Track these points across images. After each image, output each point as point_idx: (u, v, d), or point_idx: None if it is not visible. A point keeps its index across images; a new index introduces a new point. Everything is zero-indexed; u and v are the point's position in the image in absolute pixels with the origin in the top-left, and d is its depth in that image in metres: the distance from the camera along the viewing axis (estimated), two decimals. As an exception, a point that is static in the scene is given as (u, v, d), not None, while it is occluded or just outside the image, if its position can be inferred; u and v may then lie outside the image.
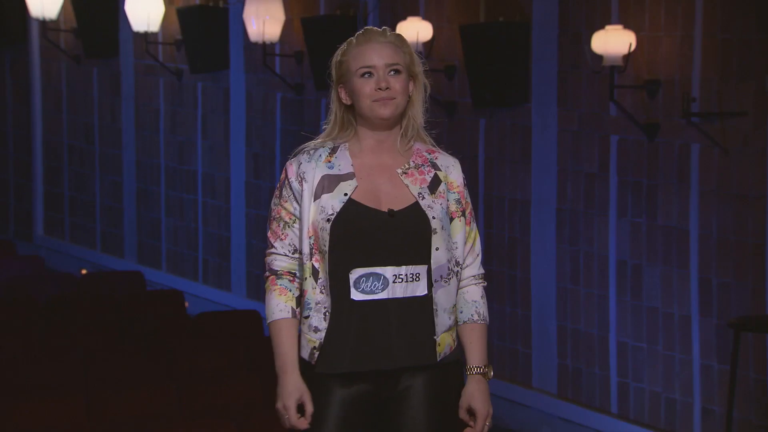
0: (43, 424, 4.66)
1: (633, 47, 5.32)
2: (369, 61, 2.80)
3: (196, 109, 8.14)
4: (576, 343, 5.87)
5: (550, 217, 5.93)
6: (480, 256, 2.91)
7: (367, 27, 2.87)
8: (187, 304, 6.95)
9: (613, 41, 5.34)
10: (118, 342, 5.83)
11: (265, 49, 7.14)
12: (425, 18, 6.40)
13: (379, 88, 2.79)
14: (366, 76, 2.80)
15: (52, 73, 9.48)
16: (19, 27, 9.62)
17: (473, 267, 2.89)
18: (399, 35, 2.85)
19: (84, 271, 8.35)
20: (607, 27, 5.41)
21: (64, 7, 8.79)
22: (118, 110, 8.83)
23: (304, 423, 2.75)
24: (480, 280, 2.90)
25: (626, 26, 5.39)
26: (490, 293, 6.32)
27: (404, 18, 6.39)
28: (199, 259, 8.17)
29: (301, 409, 2.76)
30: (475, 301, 2.88)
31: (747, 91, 5.03)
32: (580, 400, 5.85)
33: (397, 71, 2.80)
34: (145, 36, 7.89)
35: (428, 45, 6.33)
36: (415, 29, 6.26)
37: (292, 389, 2.75)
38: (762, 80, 4.99)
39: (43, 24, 8.75)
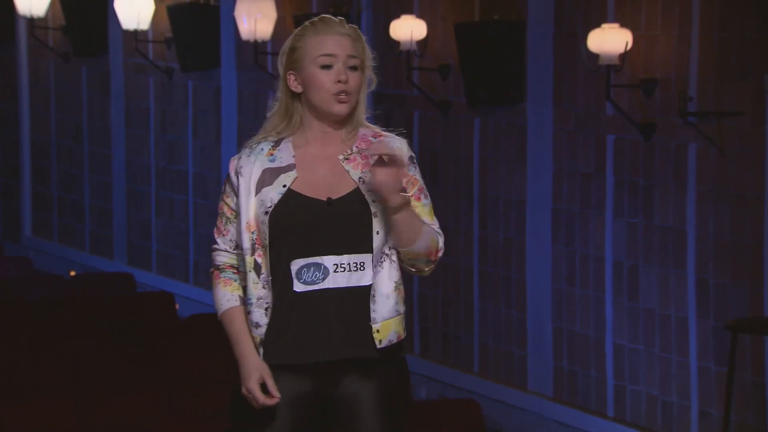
0: (32, 428, 4.64)
1: (629, 46, 5.31)
2: (330, 50, 2.77)
3: (186, 108, 8.12)
4: (572, 345, 5.85)
5: (545, 217, 5.91)
6: (437, 225, 2.88)
7: (324, 15, 2.84)
8: (177, 306, 6.93)
9: (609, 40, 5.33)
10: (107, 345, 5.81)
11: (256, 47, 7.11)
12: (419, 16, 6.37)
13: (339, 81, 2.76)
14: (326, 67, 2.77)
15: (40, 72, 9.44)
16: (6, 25, 9.56)
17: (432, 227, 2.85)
18: (356, 28, 2.84)
19: (73, 273, 8.32)
20: (604, 25, 5.39)
21: (52, 5, 8.73)
22: (108, 109, 8.79)
23: (272, 399, 2.76)
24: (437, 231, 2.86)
25: (623, 25, 5.38)
26: (484, 293, 6.33)
27: (398, 16, 6.37)
28: (189, 260, 8.14)
29: (265, 388, 2.77)
30: (434, 229, 2.84)
31: (744, 91, 5.03)
32: (576, 403, 5.84)
33: (354, 67, 2.79)
34: (135, 34, 7.86)
35: (422, 43, 6.31)
36: (409, 27, 6.24)
37: (252, 371, 2.77)
38: (760, 79, 4.98)
39: (31, 22, 8.70)
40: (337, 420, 2.80)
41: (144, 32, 7.96)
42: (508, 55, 5.94)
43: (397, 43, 6.31)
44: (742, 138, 5.05)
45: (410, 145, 2.92)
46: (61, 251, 9.28)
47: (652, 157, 5.42)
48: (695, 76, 5.20)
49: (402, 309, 2.83)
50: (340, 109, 2.79)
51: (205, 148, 8.02)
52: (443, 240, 2.89)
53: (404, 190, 2.75)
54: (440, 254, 2.87)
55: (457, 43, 6.11)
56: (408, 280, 6.65)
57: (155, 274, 8.38)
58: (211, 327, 6.13)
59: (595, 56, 5.38)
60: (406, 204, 2.76)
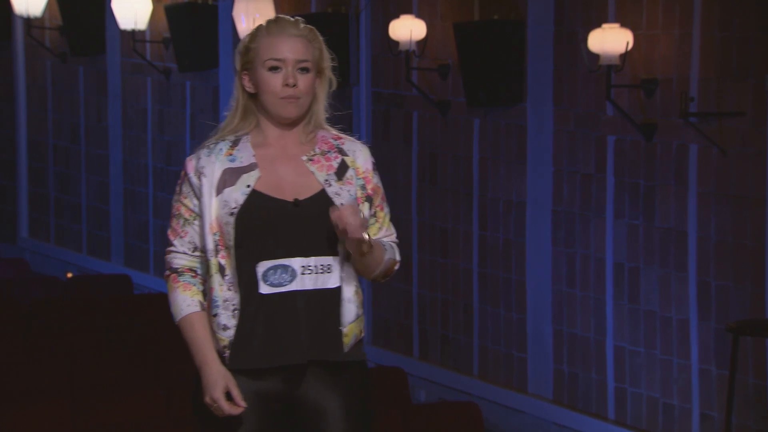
0: (28, 430, 4.60)
1: (630, 46, 5.29)
2: (279, 54, 2.75)
3: (184, 109, 8.09)
4: (572, 348, 5.83)
5: (545, 218, 5.89)
6: (394, 234, 2.86)
7: (279, 16, 2.82)
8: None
9: (609, 40, 5.31)
10: (104, 347, 5.79)
11: (254, 47, 7.08)
12: (418, 16, 6.35)
13: (287, 84, 2.74)
14: (273, 70, 2.75)
15: (37, 72, 9.42)
16: (2, 25, 9.54)
17: (389, 237, 2.85)
18: (312, 28, 2.81)
19: (69, 275, 8.29)
20: (604, 25, 5.37)
21: (49, 5, 8.71)
22: (105, 109, 8.77)
23: (237, 408, 2.72)
24: (395, 243, 2.85)
25: (623, 24, 5.36)
26: (484, 295, 6.31)
27: (397, 16, 6.35)
28: (187, 261, 8.10)
29: (229, 396, 2.72)
30: (391, 244, 2.82)
31: (746, 91, 5.01)
32: (576, 406, 5.81)
33: (305, 69, 2.76)
34: (133, 34, 7.83)
35: (421, 43, 6.29)
36: (408, 27, 6.23)
37: (216, 378, 2.72)
38: (761, 79, 4.97)
39: (28, 21, 8.69)
40: (304, 423, 2.77)
41: (141, 32, 7.94)
42: (508, 55, 5.92)
43: (396, 42, 6.30)
44: (744, 138, 5.04)
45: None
46: (57, 252, 9.25)
47: (653, 158, 5.40)
48: (696, 77, 5.18)
49: (361, 312, 2.81)
50: (288, 112, 2.77)
51: (202, 148, 7.98)
52: (399, 251, 2.86)
53: (366, 228, 2.72)
54: (397, 266, 2.86)
55: (456, 43, 6.09)
56: (407, 281, 6.65)
57: (153, 276, 8.34)
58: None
59: (596, 56, 5.36)
60: (370, 247, 2.73)
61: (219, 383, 2.71)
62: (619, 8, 5.47)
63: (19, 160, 9.66)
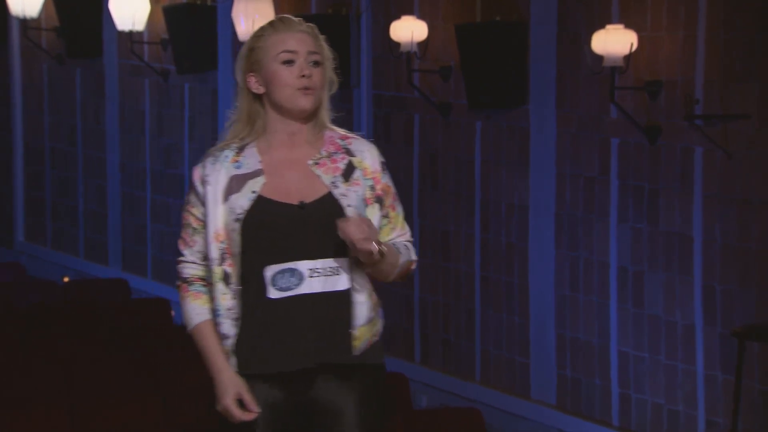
0: (24, 437, 4.56)
1: (634, 47, 5.27)
2: (291, 46, 2.76)
3: (183, 111, 8.07)
4: (575, 353, 5.80)
5: (548, 222, 5.87)
6: (408, 234, 2.85)
7: (283, 16, 2.82)
8: (173, 312, 6.88)
9: (613, 41, 5.29)
10: (102, 352, 5.77)
11: (253, 49, 7.05)
12: (420, 17, 6.33)
13: (302, 75, 2.74)
14: (287, 63, 2.75)
15: (34, 74, 9.40)
16: (-2, 26, 9.51)
17: (403, 237, 2.83)
18: (315, 27, 2.82)
19: (66, 279, 8.28)
20: (608, 26, 5.35)
21: (45, 6, 8.69)
22: (102, 112, 8.75)
23: (250, 414, 2.73)
24: (410, 243, 2.83)
25: (627, 26, 5.34)
26: (486, 300, 6.28)
27: (398, 17, 6.34)
28: (185, 265, 8.08)
29: (242, 404, 2.74)
30: (405, 244, 2.81)
31: (751, 93, 5.00)
32: (580, 412, 5.79)
33: (317, 62, 2.77)
34: (130, 35, 7.81)
35: (423, 45, 6.27)
36: (410, 28, 6.21)
37: (228, 386, 2.74)
38: (767, 82, 4.95)
39: (24, 23, 8.65)
40: (314, 427, 2.77)
41: (139, 33, 7.92)
42: (510, 57, 5.90)
43: (397, 44, 6.27)
44: (749, 141, 5.02)
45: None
46: (54, 257, 9.23)
47: (658, 161, 5.38)
48: (701, 78, 5.16)
49: (374, 314, 2.80)
50: (305, 102, 2.76)
51: (201, 151, 7.88)
52: (415, 251, 2.87)
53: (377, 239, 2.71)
54: (413, 267, 2.85)
55: (458, 45, 6.07)
56: (408, 285, 6.61)
57: (151, 280, 8.33)
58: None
59: (599, 58, 5.33)
60: (381, 256, 2.72)
61: (230, 390, 2.73)
62: (623, 9, 5.45)
63: (15, 163, 9.64)
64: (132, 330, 6.15)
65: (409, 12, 6.38)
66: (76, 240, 9.11)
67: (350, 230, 2.65)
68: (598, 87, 5.53)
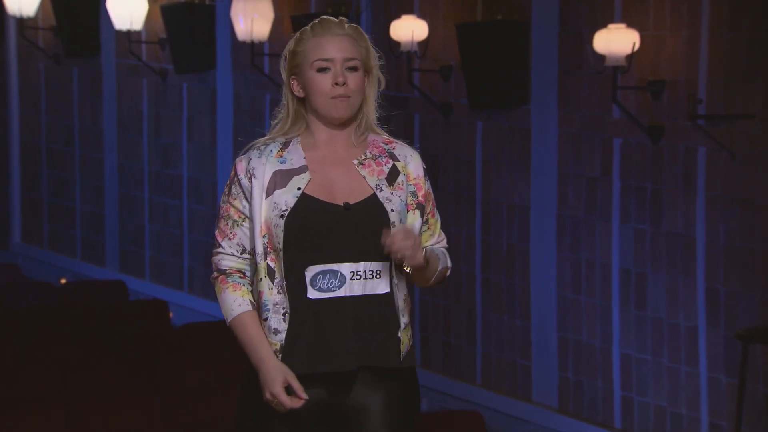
0: (21, 440, 4.54)
1: (636, 47, 5.25)
2: (326, 54, 2.74)
3: (181, 111, 8.06)
4: (577, 355, 5.79)
5: (550, 223, 5.86)
6: (444, 240, 2.87)
7: (324, 17, 2.81)
8: (171, 314, 6.87)
9: (615, 40, 5.28)
10: (99, 354, 5.75)
11: (253, 48, 7.05)
12: (420, 16, 6.32)
13: (336, 83, 2.73)
14: (323, 71, 2.74)
15: (31, 73, 9.39)
16: (-5, 25, 9.49)
17: (440, 244, 2.86)
18: (357, 27, 2.81)
19: (63, 281, 8.27)
20: (610, 26, 5.34)
21: (42, 5, 8.68)
22: (100, 112, 8.74)
23: (298, 401, 2.72)
24: (446, 249, 2.87)
25: (629, 25, 5.33)
26: (487, 302, 6.25)
27: (398, 16, 6.33)
28: (184, 267, 8.07)
29: (290, 390, 2.72)
30: (443, 251, 2.85)
31: (755, 93, 4.99)
32: (582, 415, 5.77)
33: (354, 68, 2.75)
34: (128, 34, 7.81)
35: (423, 44, 6.26)
36: (410, 28, 6.20)
37: (275, 375, 2.72)
38: (771, 81, 4.91)
39: (21, 22, 8.65)
40: (348, 428, 2.77)
41: (137, 33, 7.92)
42: (512, 56, 5.89)
43: (397, 43, 6.25)
44: (753, 141, 5.01)
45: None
46: (51, 258, 9.22)
47: (660, 161, 5.36)
48: (704, 78, 5.15)
49: (407, 320, 2.81)
50: (339, 111, 2.76)
51: (200, 151, 7.98)
52: (450, 257, 2.87)
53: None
54: (448, 273, 2.86)
55: (459, 44, 6.06)
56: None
57: (148, 282, 8.31)
58: (206, 336, 6.06)
59: (601, 57, 5.33)
60: (426, 264, 2.75)
61: (277, 379, 2.71)
62: (625, 8, 5.44)
63: (11, 163, 9.63)
64: (129, 332, 6.14)
65: (409, 11, 6.37)
66: (73, 241, 9.09)
67: (399, 245, 2.66)
68: (600, 87, 5.52)
